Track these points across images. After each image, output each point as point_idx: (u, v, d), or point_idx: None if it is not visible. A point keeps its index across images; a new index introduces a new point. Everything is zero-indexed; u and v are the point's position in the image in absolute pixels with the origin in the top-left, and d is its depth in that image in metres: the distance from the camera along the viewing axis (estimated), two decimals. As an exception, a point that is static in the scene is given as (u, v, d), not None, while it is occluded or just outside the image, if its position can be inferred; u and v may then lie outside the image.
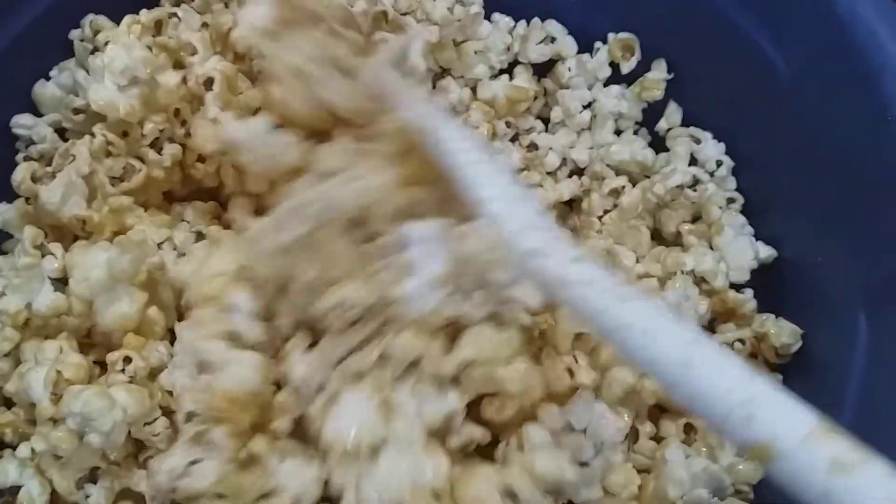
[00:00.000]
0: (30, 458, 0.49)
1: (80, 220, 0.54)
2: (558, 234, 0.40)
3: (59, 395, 0.48)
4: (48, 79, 0.60)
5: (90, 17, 0.62)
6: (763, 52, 0.58)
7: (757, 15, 0.59)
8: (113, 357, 0.49)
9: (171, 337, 0.53)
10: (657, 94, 0.65)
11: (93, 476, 0.50)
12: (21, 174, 0.55)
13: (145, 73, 0.54)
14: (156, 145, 0.57)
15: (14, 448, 0.51)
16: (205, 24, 0.59)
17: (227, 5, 0.64)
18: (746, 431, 0.30)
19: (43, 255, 0.52)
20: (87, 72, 0.59)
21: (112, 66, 0.54)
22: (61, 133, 0.60)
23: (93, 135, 0.56)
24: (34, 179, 0.55)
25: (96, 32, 0.61)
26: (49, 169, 0.55)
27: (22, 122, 0.60)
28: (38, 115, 0.60)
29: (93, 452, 0.48)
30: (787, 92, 0.57)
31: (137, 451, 0.51)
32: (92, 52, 0.61)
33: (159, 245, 0.55)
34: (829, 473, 0.28)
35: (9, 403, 0.53)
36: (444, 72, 0.69)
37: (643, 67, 0.66)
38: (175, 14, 0.60)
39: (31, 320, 0.52)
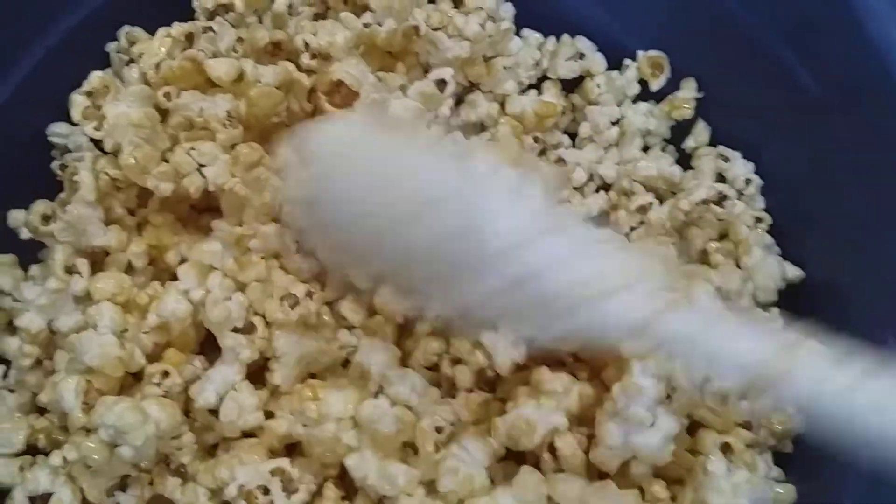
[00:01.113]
0: (61, 466, 0.50)
1: (101, 249, 0.54)
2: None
3: (90, 405, 0.49)
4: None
5: (126, 28, 0.63)
6: (792, 72, 0.58)
7: (786, 34, 0.59)
8: (151, 370, 0.50)
9: (205, 350, 0.53)
10: (686, 112, 0.65)
11: (123, 484, 0.51)
12: (32, 221, 0.55)
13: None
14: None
15: (47, 454, 0.52)
16: (240, 39, 0.60)
17: (260, 19, 0.65)
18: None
19: (70, 273, 0.53)
20: (122, 82, 0.60)
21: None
22: (97, 143, 0.61)
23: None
24: (46, 219, 0.55)
25: (132, 43, 0.62)
26: (62, 197, 0.56)
27: (58, 131, 0.60)
28: (74, 124, 0.61)
29: (123, 463, 0.48)
30: (817, 111, 0.57)
31: (168, 458, 0.52)
32: (127, 64, 0.62)
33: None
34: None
35: (42, 410, 0.54)
36: (472, 86, 0.69)
37: (672, 85, 0.66)
38: (210, 28, 0.61)
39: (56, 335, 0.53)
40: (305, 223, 0.49)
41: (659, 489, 0.49)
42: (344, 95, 0.56)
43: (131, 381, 0.52)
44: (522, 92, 0.68)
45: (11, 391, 0.55)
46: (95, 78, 0.57)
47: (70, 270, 0.53)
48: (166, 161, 0.54)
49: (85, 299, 0.53)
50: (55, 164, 0.61)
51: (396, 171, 0.42)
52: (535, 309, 0.40)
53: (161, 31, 0.61)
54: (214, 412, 0.50)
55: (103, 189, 0.54)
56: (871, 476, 0.47)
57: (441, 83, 0.59)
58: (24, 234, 0.56)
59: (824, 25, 0.56)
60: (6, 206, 0.57)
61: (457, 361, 0.52)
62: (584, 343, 0.45)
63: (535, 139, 0.67)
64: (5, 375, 0.56)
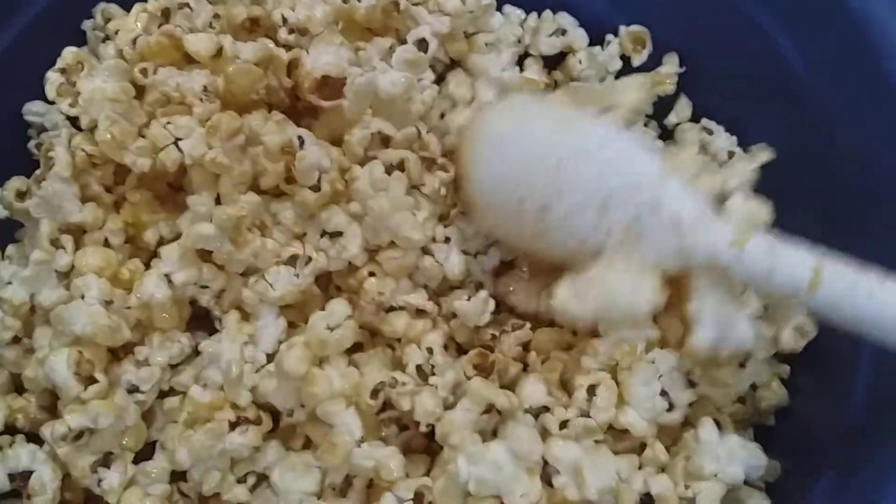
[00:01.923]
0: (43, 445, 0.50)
1: (77, 226, 0.53)
2: None
3: (84, 375, 0.49)
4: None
5: (101, 5, 0.62)
6: (777, 46, 0.58)
7: (771, 8, 0.59)
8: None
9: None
10: (669, 88, 0.65)
11: (106, 461, 0.50)
12: (7, 197, 0.54)
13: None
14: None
15: (25, 434, 0.51)
16: (216, 16, 0.59)
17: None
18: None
19: (55, 247, 0.52)
20: (98, 59, 0.59)
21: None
22: (74, 120, 0.60)
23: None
24: (21, 195, 0.54)
25: (107, 20, 0.61)
26: (37, 174, 0.55)
27: (34, 110, 0.60)
28: (50, 102, 0.60)
29: (113, 436, 0.48)
30: (801, 86, 0.57)
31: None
32: (103, 41, 0.61)
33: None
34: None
35: (20, 390, 0.54)
36: (453, 63, 0.68)
37: (654, 61, 0.66)
38: (187, 4, 0.60)
39: (36, 310, 0.52)
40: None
41: (660, 449, 0.50)
42: (332, 87, 0.55)
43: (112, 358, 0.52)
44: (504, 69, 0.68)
45: (-12, 371, 0.54)
46: (69, 54, 0.56)
47: (55, 244, 0.52)
48: (143, 137, 0.53)
49: (67, 275, 0.52)
50: (32, 144, 0.60)
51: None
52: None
53: (137, 7, 0.60)
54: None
55: (80, 166, 0.53)
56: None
57: (422, 43, 0.58)
58: (1, 212, 0.55)
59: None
60: (-16, 187, 0.56)
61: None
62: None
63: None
64: (-19, 358, 0.55)
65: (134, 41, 0.58)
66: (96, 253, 0.52)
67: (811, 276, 0.43)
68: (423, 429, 0.50)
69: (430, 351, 0.52)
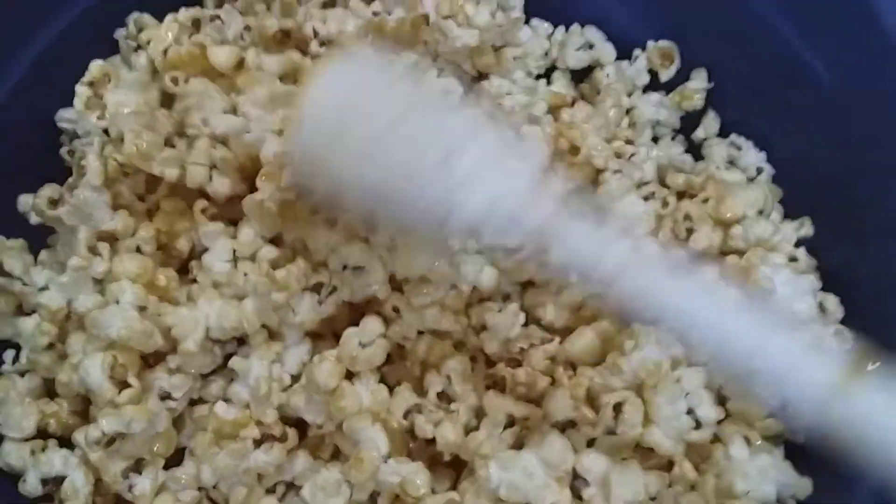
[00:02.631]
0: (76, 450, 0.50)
1: (109, 233, 0.54)
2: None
3: (118, 380, 0.49)
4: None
5: (134, 14, 0.62)
6: (804, 62, 0.58)
7: (799, 24, 0.59)
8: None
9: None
10: (697, 103, 0.65)
11: (138, 467, 0.50)
12: (39, 205, 0.54)
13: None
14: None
15: (58, 439, 0.52)
16: (248, 28, 0.60)
17: (268, 7, 0.65)
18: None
19: (93, 254, 0.52)
20: (130, 68, 0.60)
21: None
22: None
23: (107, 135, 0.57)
24: (54, 202, 0.54)
25: (140, 30, 0.62)
26: (70, 182, 0.55)
27: (67, 117, 0.60)
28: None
29: (145, 441, 0.49)
30: (829, 101, 0.57)
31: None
32: (135, 50, 0.61)
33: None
34: None
35: (52, 395, 0.54)
36: (481, 76, 0.69)
37: (682, 76, 0.66)
38: (218, 17, 0.60)
39: (72, 315, 0.53)
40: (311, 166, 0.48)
41: (688, 468, 0.49)
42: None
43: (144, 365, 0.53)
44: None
45: (21, 375, 0.54)
46: (95, 67, 0.57)
47: (92, 251, 0.52)
48: (172, 146, 0.54)
49: (104, 281, 0.53)
50: (64, 150, 0.61)
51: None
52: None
53: (169, 18, 0.61)
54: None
55: (111, 175, 0.54)
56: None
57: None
58: (34, 219, 0.56)
59: (837, 14, 0.56)
60: (16, 190, 0.57)
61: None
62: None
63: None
64: (15, 360, 0.56)
65: (165, 51, 0.58)
66: (133, 260, 0.52)
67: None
68: (446, 458, 0.51)
69: (449, 379, 0.52)
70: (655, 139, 0.67)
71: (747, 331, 0.38)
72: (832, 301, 0.54)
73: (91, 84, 0.56)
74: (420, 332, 0.54)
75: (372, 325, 0.51)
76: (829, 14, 0.57)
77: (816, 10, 0.57)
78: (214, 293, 0.52)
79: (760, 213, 0.55)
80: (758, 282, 0.52)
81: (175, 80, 0.56)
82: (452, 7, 0.63)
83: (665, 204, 0.57)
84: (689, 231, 0.52)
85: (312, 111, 0.44)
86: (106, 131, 0.59)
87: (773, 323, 0.39)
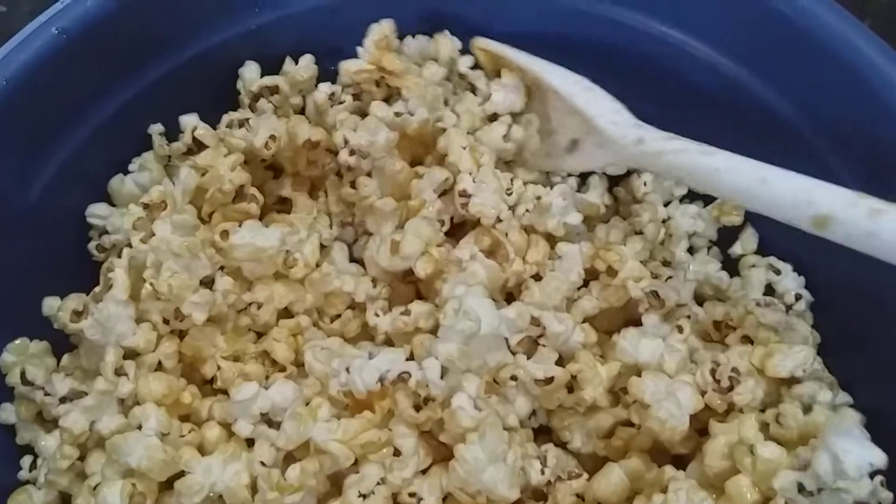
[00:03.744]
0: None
1: (130, 349, 0.53)
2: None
3: None
4: (126, 172, 0.61)
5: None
6: (841, 181, 0.56)
7: (835, 141, 0.57)
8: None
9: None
10: (735, 219, 0.64)
11: None
12: (62, 318, 0.54)
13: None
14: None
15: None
16: (273, 137, 0.59)
17: (304, 100, 0.64)
18: (809, 210, 0.46)
19: (118, 375, 0.52)
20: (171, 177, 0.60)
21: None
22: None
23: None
24: (78, 314, 0.54)
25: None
26: (95, 292, 0.55)
27: (97, 213, 0.60)
28: (113, 204, 0.61)
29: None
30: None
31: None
32: (184, 154, 0.61)
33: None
34: (869, 218, 0.43)
35: (67, 506, 0.54)
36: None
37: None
38: (247, 120, 0.60)
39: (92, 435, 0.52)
40: None
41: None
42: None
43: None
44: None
45: (38, 488, 0.54)
46: (156, 191, 0.56)
47: (118, 372, 0.52)
48: (208, 287, 0.54)
49: (128, 401, 0.52)
50: (92, 245, 0.60)
51: None
52: None
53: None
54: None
55: (143, 297, 0.53)
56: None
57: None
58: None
59: (878, 135, 0.54)
60: (44, 288, 0.56)
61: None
62: None
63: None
64: (32, 466, 0.55)
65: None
66: (158, 380, 0.52)
67: None
68: None
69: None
70: (691, 250, 0.66)
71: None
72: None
73: (146, 206, 0.55)
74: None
75: (370, 470, 0.50)
76: (864, 133, 0.55)
77: (853, 126, 0.56)
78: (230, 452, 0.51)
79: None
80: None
81: (224, 234, 0.55)
82: (473, 121, 0.62)
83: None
84: (732, 380, 0.51)
85: None
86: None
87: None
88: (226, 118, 0.60)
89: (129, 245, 0.56)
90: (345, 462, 0.50)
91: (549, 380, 0.53)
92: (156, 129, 0.62)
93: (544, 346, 0.54)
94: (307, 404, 0.52)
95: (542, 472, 0.52)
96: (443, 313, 0.52)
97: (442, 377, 0.50)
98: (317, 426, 0.50)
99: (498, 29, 0.64)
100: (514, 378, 0.53)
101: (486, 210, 0.57)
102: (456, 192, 0.58)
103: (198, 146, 0.59)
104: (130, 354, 0.54)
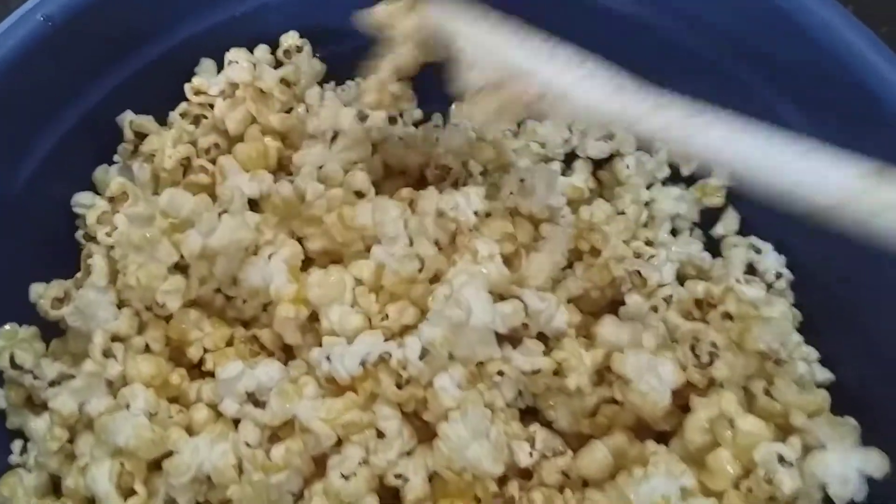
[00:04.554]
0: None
1: (112, 335, 0.54)
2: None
3: (125, 488, 0.50)
4: (111, 163, 0.61)
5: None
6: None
7: (820, 127, 0.57)
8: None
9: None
10: (717, 200, 0.65)
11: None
12: (43, 306, 0.54)
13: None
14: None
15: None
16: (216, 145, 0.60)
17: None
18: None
19: (107, 357, 0.52)
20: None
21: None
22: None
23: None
24: (59, 300, 0.54)
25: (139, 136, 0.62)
26: (78, 278, 0.55)
27: (82, 201, 0.60)
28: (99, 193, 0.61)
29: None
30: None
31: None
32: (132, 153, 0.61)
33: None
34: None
35: (57, 490, 0.54)
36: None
37: (703, 171, 0.66)
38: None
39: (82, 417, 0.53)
40: None
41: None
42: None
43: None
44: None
45: (28, 471, 0.54)
46: (115, 184, 0.56)
47: (106, 354, 0.52)
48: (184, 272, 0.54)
49: (117, 382, 0.53)
50: (79, 234, 0.61)
51: None
52: None
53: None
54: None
55: (120, 288, 0.53)
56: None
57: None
58: (43, 310, 0.56)
59: (867, 125, 0.55)
60: (32, 276, 0.56)
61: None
62: None
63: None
64: (23, 451, 0.55)
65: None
66: (146, 361, 0.52)
67: None
68: None
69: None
70: (674, 231, 0.67)
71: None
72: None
73: (111, 199, 0.56)
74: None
75: (352, 451, 0.51)
76: (852, 123, 0.55)
77: (844, 121, 0.56)
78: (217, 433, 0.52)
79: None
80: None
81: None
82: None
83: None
84: (712, 356, 0.52)
85: None
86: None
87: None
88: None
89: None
90: (326, 441, 0.50)
91: (536, 371, 0.54)
92: (125, 117, 0.61)
93: (527, 324, 0.54)
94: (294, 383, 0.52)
95: (531, 455, 0.53)
96: (433, 297, 0.52)
97: (422, 359, 0.51)
98: (302, 403, 0.50)
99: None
100: (500, 373, 0.53)
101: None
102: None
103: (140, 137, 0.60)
104: (116, 338, 0.54)
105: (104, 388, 0.52)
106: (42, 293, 0.54)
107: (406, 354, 0.50)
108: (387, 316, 0.53)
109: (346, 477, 0.50)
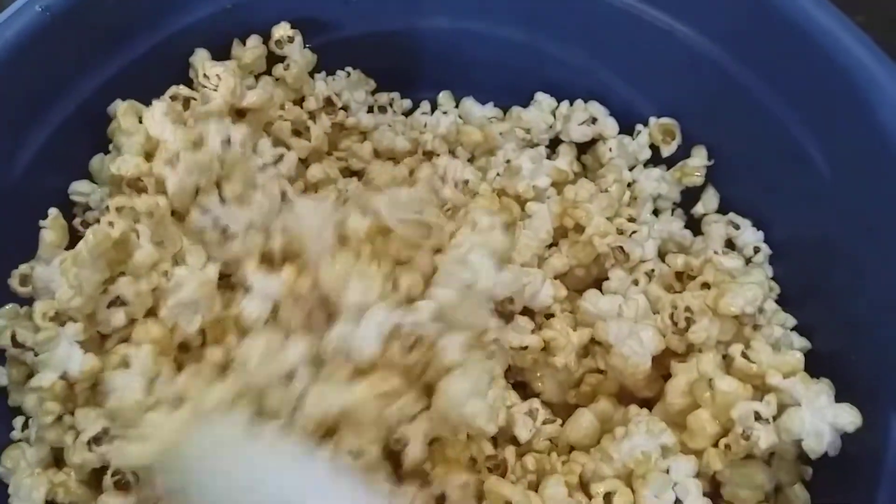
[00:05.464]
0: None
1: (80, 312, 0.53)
2: None
3: None
4: (107, 152, 0.63)
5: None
6: (802, 147, 0.59)
7: (798, 110, 0.60)
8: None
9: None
10: (697, 180, 0.67)
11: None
12: (12, 285, 0.56)
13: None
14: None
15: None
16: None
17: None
18: None
19: (62, 323, 0.53)
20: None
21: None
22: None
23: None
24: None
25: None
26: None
27: (79, 189, 0.62)
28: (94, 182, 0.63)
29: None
30: (826, 186, 0.58)
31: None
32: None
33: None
34: None
35: (59, 463, 0.55)
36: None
37: (683, 152, 0.68)
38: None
39: (75, 386, 0.53)
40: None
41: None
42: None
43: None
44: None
45: (31, 445, 0.56)
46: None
47: (54, 319, 0.53)
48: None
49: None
50: (76, 221, 0.62)
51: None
52: None
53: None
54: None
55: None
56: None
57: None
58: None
59: (839, 105, 0.57)
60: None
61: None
62: None
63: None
64: (24, 426, 0.57)
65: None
66: (155, 324, 0.53)
67: None
68: None
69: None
70: (656, 212, 0.69)
71: None
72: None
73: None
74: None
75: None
76: (831, 103, 0.57)
77: (818, 96, 0.58)
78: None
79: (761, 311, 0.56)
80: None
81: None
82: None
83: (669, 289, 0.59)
84: (689, 321, 0.54)
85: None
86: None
87: None
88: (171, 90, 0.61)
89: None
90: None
91: (524, 347, 0.55)
92: (115, 107, 0.62)
93: (513, 298, 0.56)
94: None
95: (531, 430, 0.55)
96: (442, 262, 0.52)
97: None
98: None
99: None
100: (496, 340, 0.55)
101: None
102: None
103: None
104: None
105: (77, 349, 0.52)
106: (10, 278, 0.56)
107: (421, 317, 0.49)
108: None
109: None
